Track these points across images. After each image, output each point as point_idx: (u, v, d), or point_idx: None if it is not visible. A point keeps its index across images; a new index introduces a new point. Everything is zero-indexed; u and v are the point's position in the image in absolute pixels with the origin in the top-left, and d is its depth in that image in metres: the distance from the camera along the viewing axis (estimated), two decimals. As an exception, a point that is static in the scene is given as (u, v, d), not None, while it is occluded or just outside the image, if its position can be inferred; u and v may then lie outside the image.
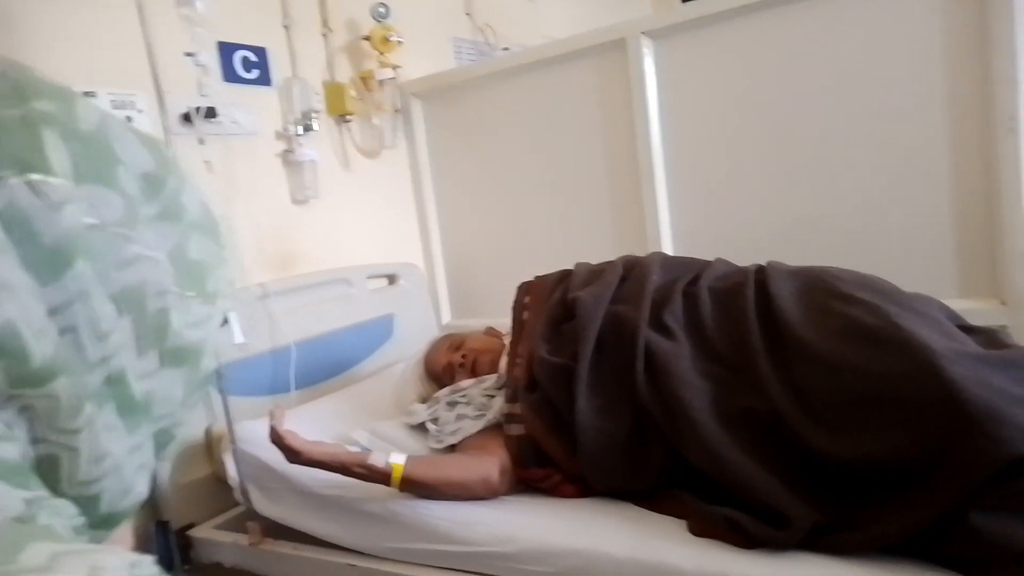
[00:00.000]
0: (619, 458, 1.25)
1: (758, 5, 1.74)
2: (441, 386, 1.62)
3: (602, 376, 1.32)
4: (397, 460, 1.25)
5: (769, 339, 1.21)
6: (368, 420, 1.60)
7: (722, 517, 1.06)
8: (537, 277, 1.60)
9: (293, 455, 1.23)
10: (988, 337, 1.14)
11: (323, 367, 1.92)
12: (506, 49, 2.66)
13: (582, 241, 2.05)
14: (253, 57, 1.87)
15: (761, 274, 1.34)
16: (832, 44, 1.70)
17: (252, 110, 1.85)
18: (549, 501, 1.30)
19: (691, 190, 1.91)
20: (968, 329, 1.17)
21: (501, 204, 2.23)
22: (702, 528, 1.10)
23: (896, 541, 0.94)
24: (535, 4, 2.90)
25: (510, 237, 2.22)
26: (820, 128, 1.74)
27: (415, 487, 1.27)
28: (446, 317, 2.38)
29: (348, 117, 2.10)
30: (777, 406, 1.10)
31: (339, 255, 2.08)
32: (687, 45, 1.87)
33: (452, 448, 1.44)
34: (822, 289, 1.23)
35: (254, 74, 1.88)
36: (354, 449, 1.29)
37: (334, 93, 2.06)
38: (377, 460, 1.24)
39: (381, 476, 1.24)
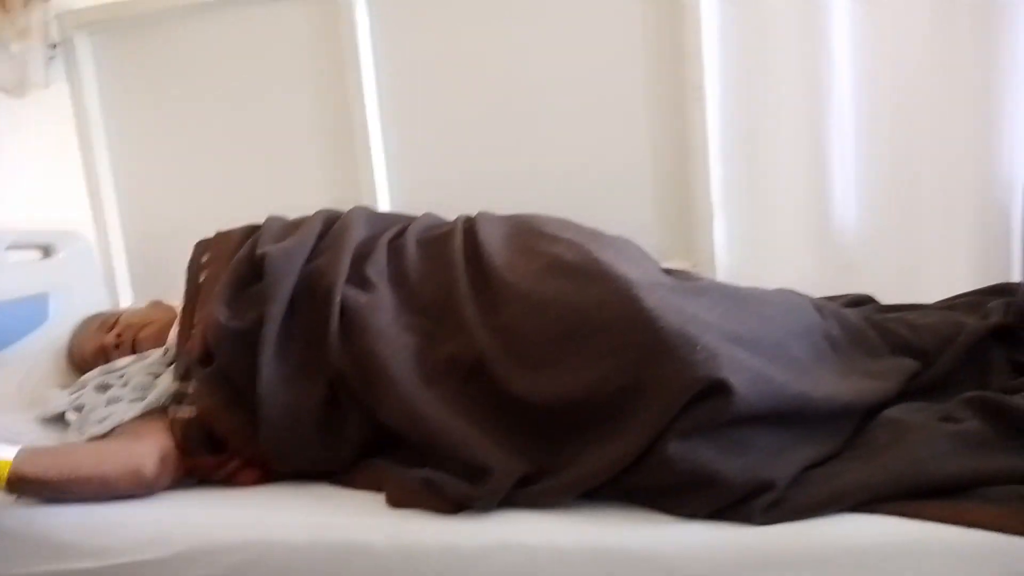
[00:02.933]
0: (309, 433, 1.06)
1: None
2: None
3: (292, 342, 1.12)
4: (3, 455, 0.93)
5: (476, 285, 1.12)
6: (-16, 417, 1.22)
7: (420, 480, 0.93)
8: (219, 233, 1.35)
9: None
10: (682, 276, 1.15)
11: (-67, 358, 1.47)
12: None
13: (290, 201, 1.80)
14: None
15: (470, 223, 1.26)
16: (537, 6, 1.70)
17: None
18: (222, 491, 1.06)
19: (407, 145, 1.79)
20: (665, 271, 1.18)
21: (194, 161, 1.92)
22: (400, 497, 0.95)
23: (597, 482, 0.88)
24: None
25: (205, 200, 1.92)
26: (528, 88, 1.73)
27: (32, 487, 0.96)
28: (126, 297, 1.99)
29: (-25, 41, 1.64)
30: (481, 351, 1.01)
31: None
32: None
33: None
34: (527, 231, 1.17)
35: None
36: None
37: (-48, 6, 1.60)
38: None
39: None
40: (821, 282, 1.60)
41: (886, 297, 1.37)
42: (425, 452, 0.98)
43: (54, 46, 1.85)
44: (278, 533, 0.92)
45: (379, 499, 0.97)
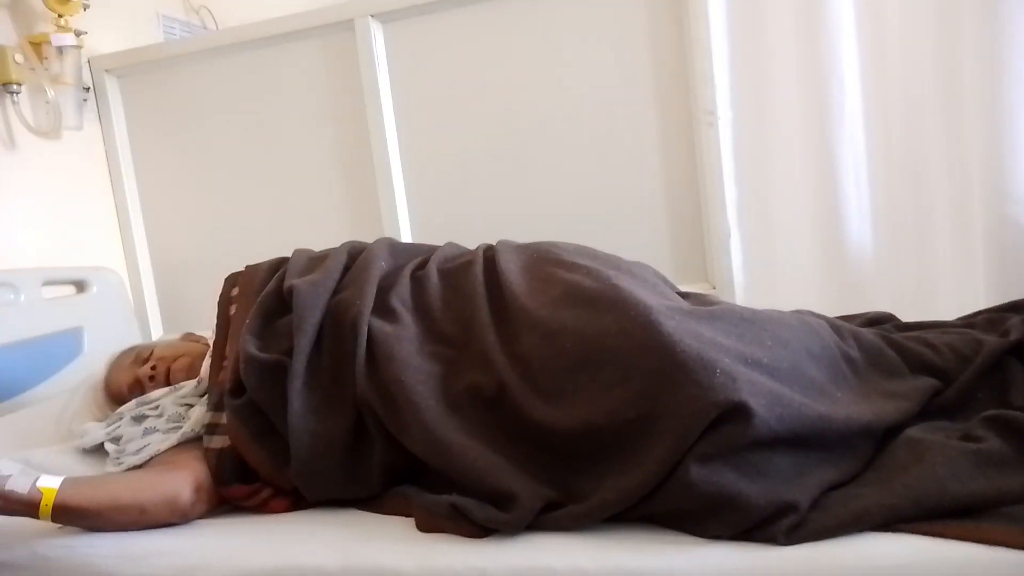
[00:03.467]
0: (338, 462, 1.08)
1: (480, -7, 1.73)
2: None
3: (320, 372, 1.15)
4: (48, 483, 0.97)
5: (497, 314, 1.14)
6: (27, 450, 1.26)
7: (447, 505, 0.95)
8: (247, 267, 1.39)
9: None
10: (699, 299, 1.17)
11: (-26, 393, 1.52)
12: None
13: (313, 236, 1.86)
14: None
15: (490, 251, 1.28)
16: (548, 37, 1.75)
17: None
18: (253, 519, 1.09)
19: (426, 177, 1.84)
20: (681, 295, 1.20)
21: (219, 197, 1.98)
22: (428, 522, 0.97)
23: (620, 508, 0.89)
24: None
25: (230, 235, 1.97)
26: (541, 117, 1.77)
27: (75, 516, 0.99)
28: (157, 331, 2.04)
29: (14, 88, 1.72)
30: (502, 379, 1.02)
31: (2, 255, 1.68)
32: (416, 29, 1.80)
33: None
34: (545, 259, 1.19)
35: None
36: (-13, 476, 0.97)
37: (-9, 56, 1.68)
38: (19, 485, 0.95)
39: (25, 506, 0.95)
40: (838, 300, 1.61)
41: (902, 315, 1.38)
42: (451, 479, 1.00)
43: (87, 89, 1.93)
44: (311, 559, 0.94)
45: (408, 524, 0.99)
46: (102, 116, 1.98)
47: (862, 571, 0.79)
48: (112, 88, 1.97)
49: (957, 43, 1.55)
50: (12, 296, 1.63)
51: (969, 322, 1.28)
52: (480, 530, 0.93)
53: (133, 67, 1.96)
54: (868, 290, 1.65)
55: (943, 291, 1.58)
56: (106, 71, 1.96)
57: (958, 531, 0.78)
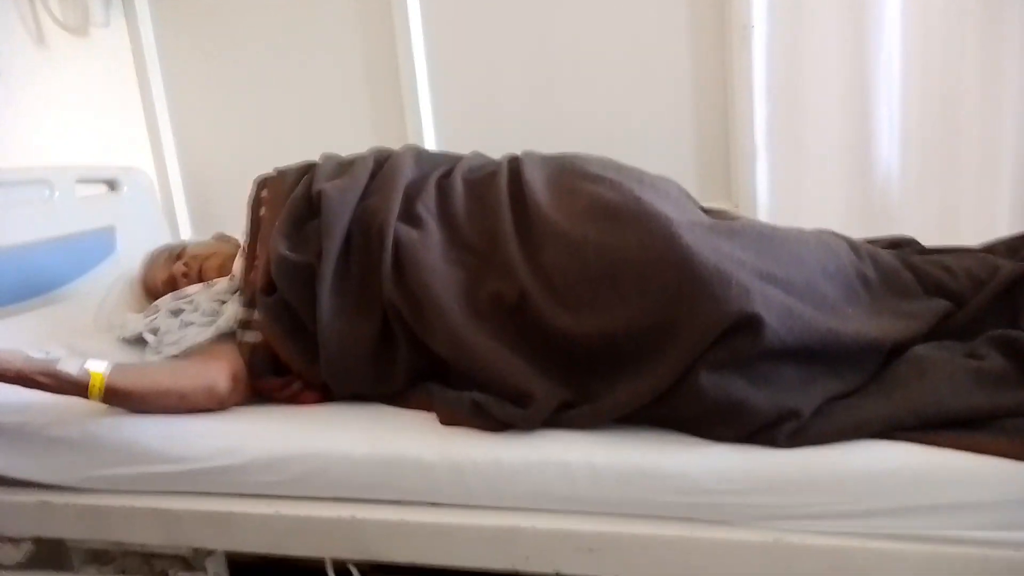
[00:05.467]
0: (365, 361, 1.14)
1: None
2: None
3: (348, 276, 1.19)
4: (96, 367, 1.04)
5: (520, 224, 1.16)
6: (69, 339, 1.33)
7: (468, 401, 1.01)
8: (276, 170, 1.41)
9: (-51, 367, 0.97)
10: (721, 215, 1.18)
11: (14, 286, 1.57)
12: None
13: (340, 142, 1.87)
14: None
15: (515, 163, 1.29)
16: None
17: None
18: (285, 408, 1.16)
19: (453, 89, 1.82)
20: (703, 211, 1.21)
21: (246, 100, 1.98)
22: (450, 416, 1.03)
23: (632, 408, 0.94)
24: None
25: (258, 138, 1.99)
26: (571, 31, 1.74)
27: (122, 398, 1.07)
28: (185, 231, 2.10)
29: (41, -19, 1.71)
30: (524, 288, 1.06)
31: (35, 152, 1.71)
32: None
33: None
34: (570, 171, 1.20)
35: None
36: (39, 356, 1.04)
37: (17, -53, 1.66)
38: (69, 366, 1.02)
39: (76, 387, 1.02)
40: (861, 224, 1.61)
41: (926, 240, 1.38)
42: (472, 379, 1.05)
43: (112, -16, 1.91)
44: (339, 446, 1.01)
45: (430, 418, 1.06)
46: (128, 13, 1.96)
47: (859, 474, 0.84)
48: (136, -16, 1.96)
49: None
50: (48, 193, 1.67)
51: (990, 247, 1.28)
52: (499, 425, 0.99)
53: (158, -38, 1.94)
54: (893, 216, 1.64)
55: (969, 216, 1.57)
56: (131, -34, 1.94)
57: (952, 440, 0.83)
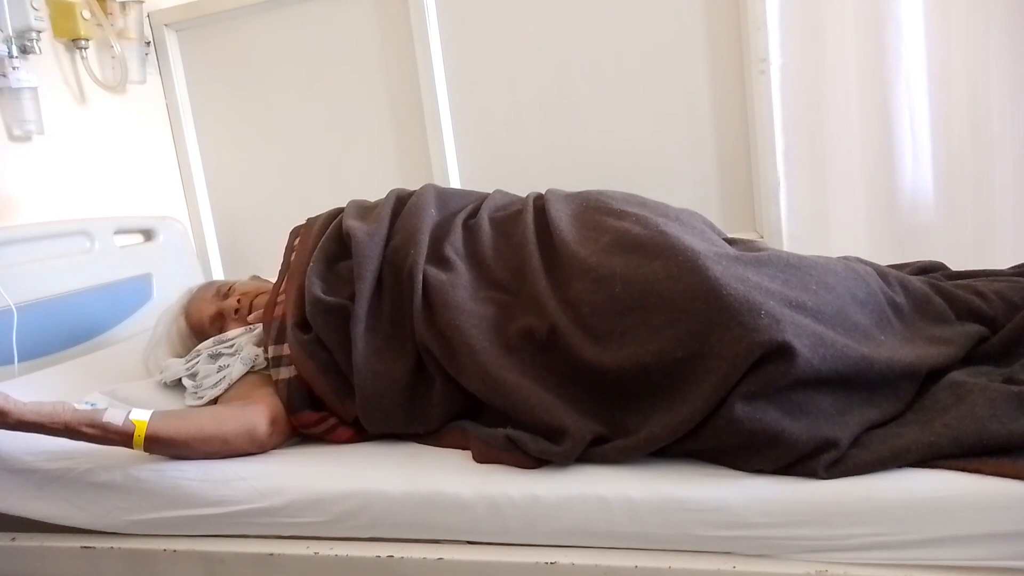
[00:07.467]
0: (400, 400, 1.15)
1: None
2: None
3: (381, 317, 1.22)
4: (140, 416, 1.06)
5: (548, 261, 1.18)
6: (111, 384, 1.36)
7: (502, 438, 1.01)
8: (308, 219, 1.46)
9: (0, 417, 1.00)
10: (746, 245, 1.19)
11: (59, 334, 1.63)
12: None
13: (366, 185, 1.92)
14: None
15: (540, 200, 1.32)
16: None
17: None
18: (321, 448, 1.17)
19: (476, 127, 1.86)
20: (729, 241, 1.23)
21: (275, 148, 2.04)
22: (485, 454, 1.04)
23: (667, 442, 0.94)
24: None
25: (287, 184, 2.04)
26: (592, 65, 1.77)
27: (164, 446, 1.09)
28: (218, 275, 2.14)
29: (82, 43, 1.79)
30: (554, 323, 1.07)
31: (75, 205, 1.77)
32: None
33: (214, 404, 1.26)
34: (595, 207, 1.22)
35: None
36: (83, 407, 1.07)
37: (61, 12, 1.74)
38: (114, 417, 1.04)
39: (120, 436, 1.05)
40: (889, 250, 1.61)
41: (957, 265, 1.37)
42: (505, 416, 1.06)
43: (148, 43, 1.99)
44: (376, 485, 1.02)
45: (465, 456, 1.07)
46: (162, 70, 2.04)
47: (900, 504, 0.83)
48: (171, 42, 2.03)
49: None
50: (88, 244, 1.73)
51: (1020, 271, 1.27)
52: (534, 461, 0.99)
53: (191, 21, 2.02)
54: (921, 241, 1.64)
55: (1000, 241, 1.56)
56: (165, 25, 2.02)
57: (995, 467, 0.81)
